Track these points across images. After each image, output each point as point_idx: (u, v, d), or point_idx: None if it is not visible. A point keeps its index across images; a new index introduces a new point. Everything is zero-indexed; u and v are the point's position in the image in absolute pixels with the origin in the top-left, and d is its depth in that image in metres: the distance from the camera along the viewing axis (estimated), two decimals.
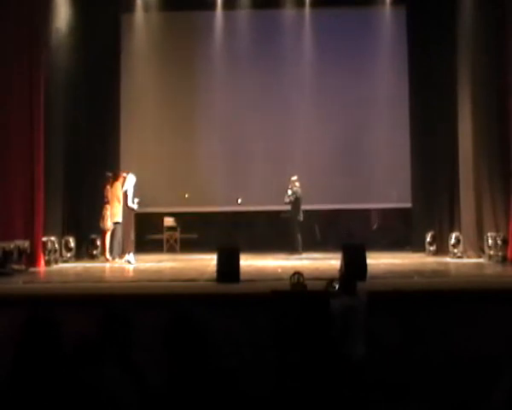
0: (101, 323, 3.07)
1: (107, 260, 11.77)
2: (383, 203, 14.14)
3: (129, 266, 11.16)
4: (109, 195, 11.99)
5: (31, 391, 2.48)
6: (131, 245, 11.61)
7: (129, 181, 11.55)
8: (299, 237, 12.95)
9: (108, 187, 12.07)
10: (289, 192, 12.92)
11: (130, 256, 11.40)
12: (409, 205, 13.65)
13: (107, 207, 11.95)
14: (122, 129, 13.94)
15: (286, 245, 12.97)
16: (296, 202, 12.93)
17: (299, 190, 12.93)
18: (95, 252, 12.67)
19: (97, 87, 13.00)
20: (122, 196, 11.60)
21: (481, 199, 11.33)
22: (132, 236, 11.63)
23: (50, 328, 2.69)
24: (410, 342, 6.31)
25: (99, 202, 12.14)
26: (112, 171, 12.40)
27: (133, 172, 11.73)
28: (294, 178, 12.97)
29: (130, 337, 3.07)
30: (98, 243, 12.62)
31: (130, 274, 10.30)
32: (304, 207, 13.04)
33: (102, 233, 12.17)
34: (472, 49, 11.54)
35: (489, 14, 11.10)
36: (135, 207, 11.56)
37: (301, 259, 11.90)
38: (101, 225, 12.05)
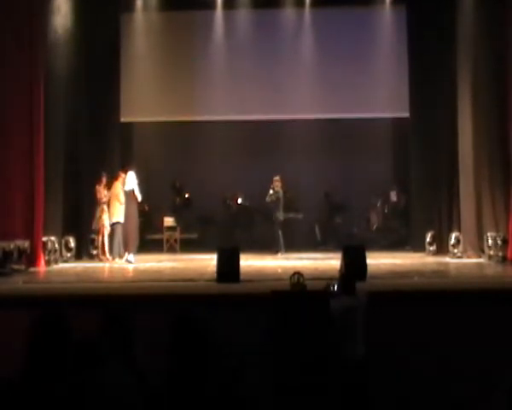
0: (102, 323, 3.07)
1: (107, 259, 11.76)
2: (381, 113, 14.01)
3: (129, 266, 11.16)
4: (99, 195, 11.93)
5: (39, 390, 2.48)
6: (134, 245, 11.55)
7: (130, 179, 11.50)
8: (280, 236, 12.99)
9: (97, 187, 11.99)
10: (271, 192, 13.00)
11: (130, 256, 11.39)
12: (406, 115, 13.47)
13: (103, 207, 11.91)
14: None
15: (286, 245, 13.01)
16: (277, 201, 13.00)
17: (280, 190, 12.99)
18: (95, 252, 12.63)
19: (97, 87, 12.98)
20: (124, 196, 11.52)
21: (481, 199, 11.32)
22: (137, 235, 11.59)
23: (62, 327, 2.69)
24: (409, 342, 6.31)
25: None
26: (109, 171, 12.35)
27: (133, 172, 11.69)
28: (277, 177, 13.04)
29: (130, 337, 3.07)
30: None
31: (130, 274, 10.28)
32: None
33: (98, 233, 12.13)
34: (472, 49, 11.54)
35: (489, 14, 11.10)
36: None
37: (301, 258, 11.88)
38: (93, 225, 12.08)
